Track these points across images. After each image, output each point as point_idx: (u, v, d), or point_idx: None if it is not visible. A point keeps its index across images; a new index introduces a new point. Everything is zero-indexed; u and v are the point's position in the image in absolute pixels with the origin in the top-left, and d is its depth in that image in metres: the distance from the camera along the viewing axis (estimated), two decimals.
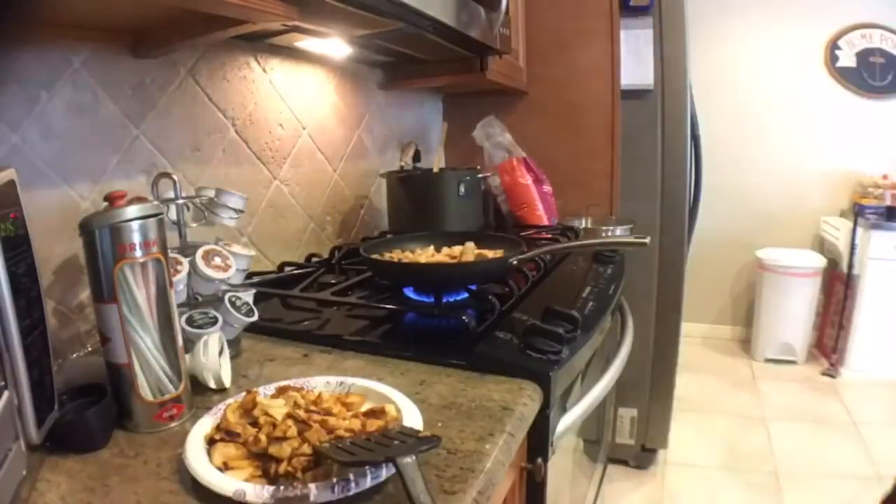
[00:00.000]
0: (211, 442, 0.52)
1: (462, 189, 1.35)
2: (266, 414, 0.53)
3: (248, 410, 0.55)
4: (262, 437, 0.50)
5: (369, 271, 1.02)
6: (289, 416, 0.52)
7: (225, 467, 0.49)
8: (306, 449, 0.49)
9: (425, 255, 1.03)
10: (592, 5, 1.67)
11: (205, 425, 0.55)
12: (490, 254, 0.99)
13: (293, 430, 0.50)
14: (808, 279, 2.72)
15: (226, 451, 0.50)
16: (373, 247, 1.01)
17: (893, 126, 2.81)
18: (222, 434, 0.52)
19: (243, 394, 0.57)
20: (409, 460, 0.45)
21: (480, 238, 1.06)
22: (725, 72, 2.92)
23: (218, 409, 0.57)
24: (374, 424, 0.54)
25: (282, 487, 0.45)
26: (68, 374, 0.66)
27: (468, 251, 1.01)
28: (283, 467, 0.47)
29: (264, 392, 0.60)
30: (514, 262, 0.90)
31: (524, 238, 1.41)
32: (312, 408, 0.55)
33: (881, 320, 2.55)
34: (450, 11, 0.99)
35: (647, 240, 0.83)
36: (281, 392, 0.60)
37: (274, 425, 0.51)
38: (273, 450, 0.49)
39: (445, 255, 1.03)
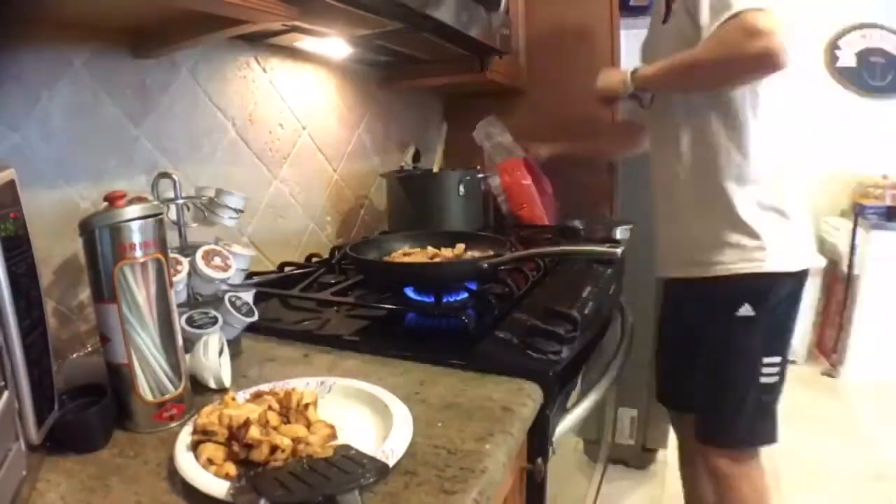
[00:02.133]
0: (195, 443, 0.52)
1: (462, 189, 1.35)
2: (232, 420, 0.52)
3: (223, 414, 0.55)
4: (236, 447, 0.50)
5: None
6: (258, 422, 0.52)
7: (210, 464, 0.49)
8: (280, 455, 0.49)
9: (403, 254, 1.04)
10: (592, 5, 1.67)
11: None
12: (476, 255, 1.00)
13: (257, 435, 0.50)
14: (808, 279, 2.71)
15: (210, 451, 0.50)
16: (358, 247, 1.02)
17: (893, 126, 2.81)
18: (199, 435, 0.52)
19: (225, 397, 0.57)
20: (350, 497, 0.42)
21: (470, 238, 1.06)
22: None
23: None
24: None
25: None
26: (68, 374, 0.66)
27: (456, 252, 1.02)
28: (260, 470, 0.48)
29: (243, 396, 0.59)
30: (486, 266, 0.88)
31: (523, 238, 1.41)
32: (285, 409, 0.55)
33: (881, 320, 2.55)
34: (450, 11, 0.99)
35: (619, 251, 0.85)
36: (255, 397, 0.59)
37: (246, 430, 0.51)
38: (251, 455, 0.49)
39: (423, 255, 1.03)
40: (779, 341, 1.11)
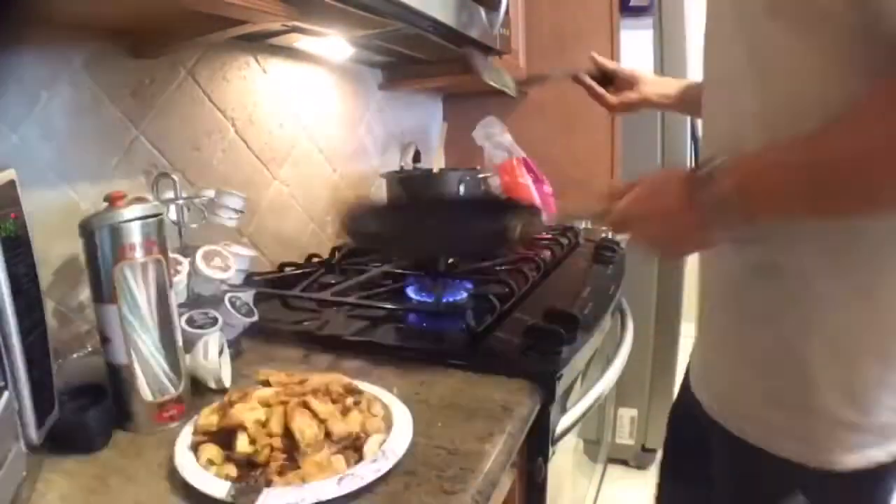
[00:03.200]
0: (196, 444, 0.52)
1: (462, 189, 1.35)
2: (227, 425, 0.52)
3: (224, 413, 0.55)
4: (239, 448, 0.50)
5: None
6: (258, 421, 0.52)
7: (210, 464, 0.49)
8: (278, 455, 0.49)
9: None
10: (592, 5, 1.67)
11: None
12: None
13: (246, 447, 0.50)
14: None
15: (210, 451, 0.51)
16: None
17: None
18: (199, 436, 0.52)
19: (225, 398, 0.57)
20: None
21: None
22: None
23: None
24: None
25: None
26: (68, 374, 0.66)
27: None
28: (261, 471, 0.48)
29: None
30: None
31: None
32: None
33: None
34: (450, 11, 0.99)
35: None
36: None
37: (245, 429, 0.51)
38: (251, 457, 0.49)
39: None
40: None
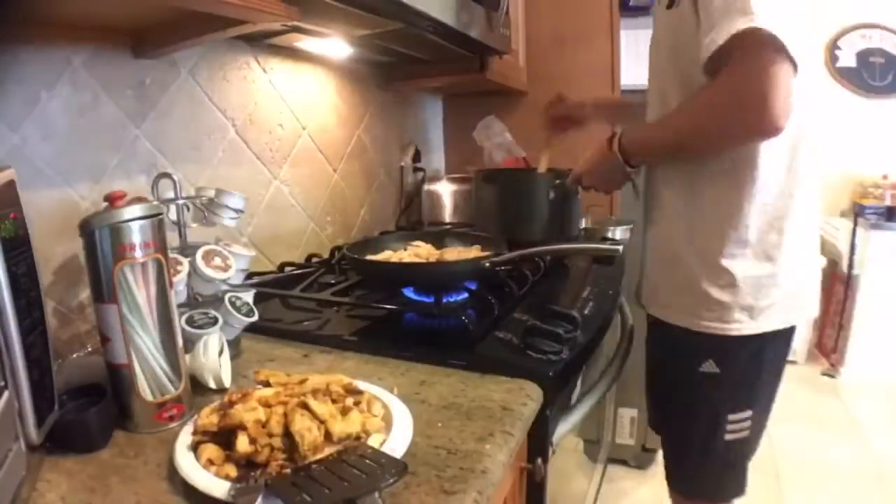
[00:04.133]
0: (196, 443, 0.52)
1: (552, 194, 1.23)
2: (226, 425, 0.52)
3: (224, 413, 0.54)
4: (239, 448, 0.50)
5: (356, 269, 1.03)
6: (258, 421, 0.52)
7: (210, 464, 0.49)
8: (279, 455, 0.49)
9: (397, 255, 1.04)
10: (592, 5, 1.67)
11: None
12: (472, 254, 1.00)
13: (246, 447, 0.50)
14: None
15: (210, 451, 0.50)
16: (356, 247, 1.02)
17: (893, 126, 2.81)
18: (199, 436, 0.52)
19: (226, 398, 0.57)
20: (370, 500, 0.42)
21: (467, 238, 1.06)
22: None
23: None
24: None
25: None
26: (68, 374, 0.66)
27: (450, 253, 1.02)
28: (261, 471, 0.48)
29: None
30: (487, 265, 0.89)
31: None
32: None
33: (881, 320, 2.55)
34: (450, 11, 0.99)
35: (620, 248, 0.86)
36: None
37: (245, 429, 0.51)
38: (252, 457, 0.49)
39: (413, 254, 1.03)
40: (749, 395, 0.91)
